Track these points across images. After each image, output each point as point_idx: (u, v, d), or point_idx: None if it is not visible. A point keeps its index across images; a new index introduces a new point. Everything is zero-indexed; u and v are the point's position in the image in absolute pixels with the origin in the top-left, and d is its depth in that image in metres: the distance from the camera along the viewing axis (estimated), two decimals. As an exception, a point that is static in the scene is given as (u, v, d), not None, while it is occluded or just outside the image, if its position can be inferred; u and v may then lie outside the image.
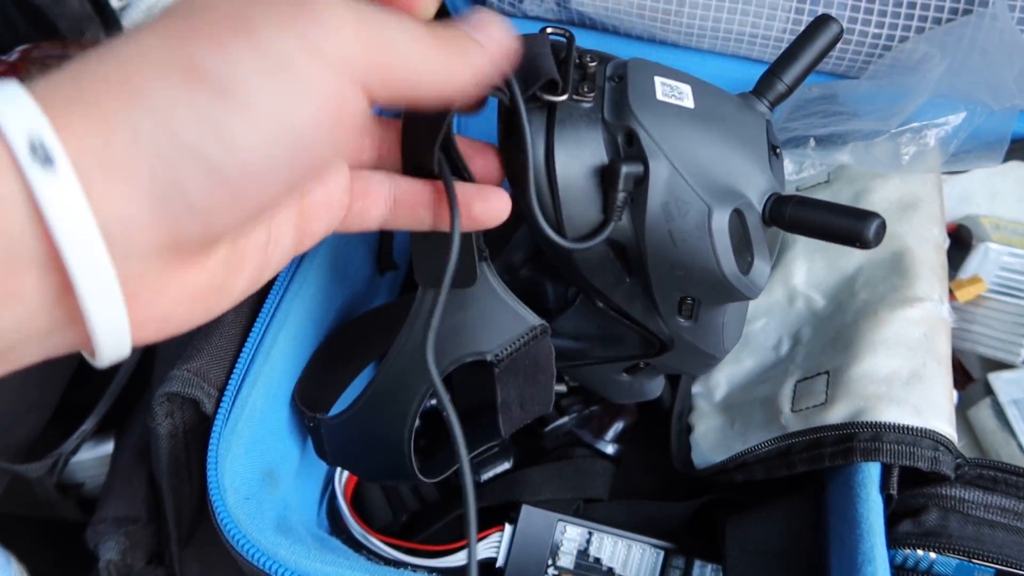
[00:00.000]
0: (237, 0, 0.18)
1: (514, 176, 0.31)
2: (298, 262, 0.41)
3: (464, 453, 0.27)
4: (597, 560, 0.42)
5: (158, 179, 0.17)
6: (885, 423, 0.36)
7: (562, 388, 0.48)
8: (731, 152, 0.31)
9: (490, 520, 0.43)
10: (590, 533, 0.42)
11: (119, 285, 0.17)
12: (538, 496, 0.44)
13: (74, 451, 0.45)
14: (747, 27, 0.49)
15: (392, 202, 0.29)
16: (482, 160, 0.31)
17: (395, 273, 0.50)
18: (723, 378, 0.46)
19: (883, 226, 0.28)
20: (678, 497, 0.44)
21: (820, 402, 0.39)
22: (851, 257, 0.44)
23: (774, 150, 0.33)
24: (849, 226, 0.28)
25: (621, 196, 0.30)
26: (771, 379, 0.43)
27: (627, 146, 0.30)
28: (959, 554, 0.34)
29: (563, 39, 0.32)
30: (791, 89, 0.34)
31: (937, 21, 0.45)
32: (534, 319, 0.34)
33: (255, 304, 0.39)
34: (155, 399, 0.34)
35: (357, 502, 0.45)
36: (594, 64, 0.31)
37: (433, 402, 0.44)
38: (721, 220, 0.30)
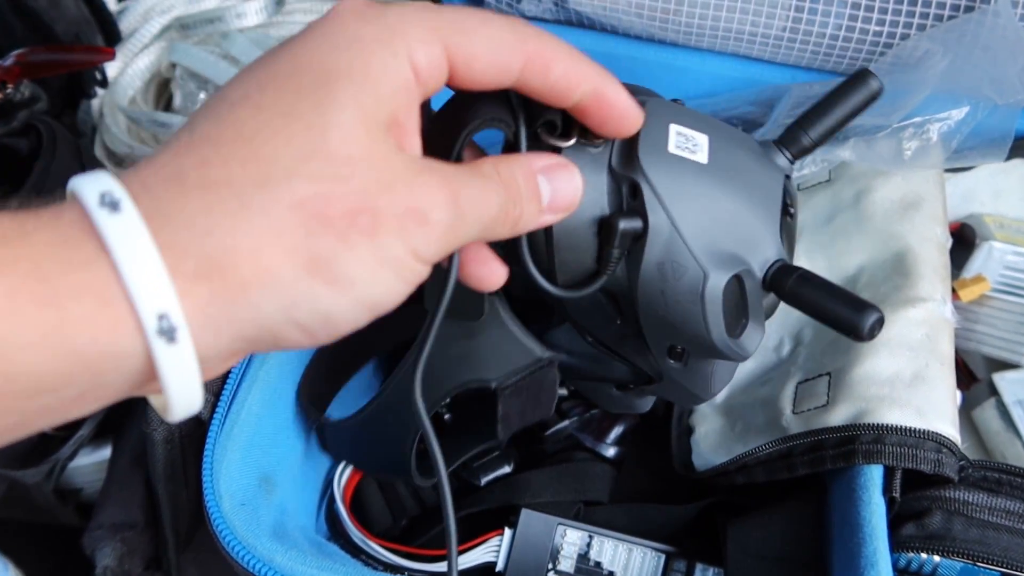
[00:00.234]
0: (364, 187, 0.20)
1: None
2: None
3: (448, 496, 0.27)
4: (598, 564, 0.41)
5: (260, 334, 0.20)
6: (887, 425, 0.35)
7: (563, 392, 0.48)
8: (740, 215, 0.29)
9: (490, 524, 0.43)
10: (590, 537, 0.42)
11: (201, 391, 0.20)
12: (538, 499, 0.44)
13: (71, 456, 0.45)
14: (747, 25, 0.48)
15: None
16: None
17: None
18: (724, 379, 0.45)
19: (880, 321, 0.27)
20: (679, 500, 0.44)
21: (821, 404, 0.38)
22: (853, 257, 0.43)
23: (788, 211, 0.31)
24: (847, 317, 0.27)
25: (616, 252, 0.29)
26: (772, 380, 0.43)
27: (631, 198, 0.29)
28: (963, 557, 0.34)
29: None
30: (816, 145, 0.33)
31: (939, 18, 0.45)
32: (541, 351, 0.33)
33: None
34: (150, 405, 0.34)
35: (356, 506, 0.45)
36: None
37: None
38: (716, 288, 0.29)
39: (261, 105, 0.20)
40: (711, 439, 0.43)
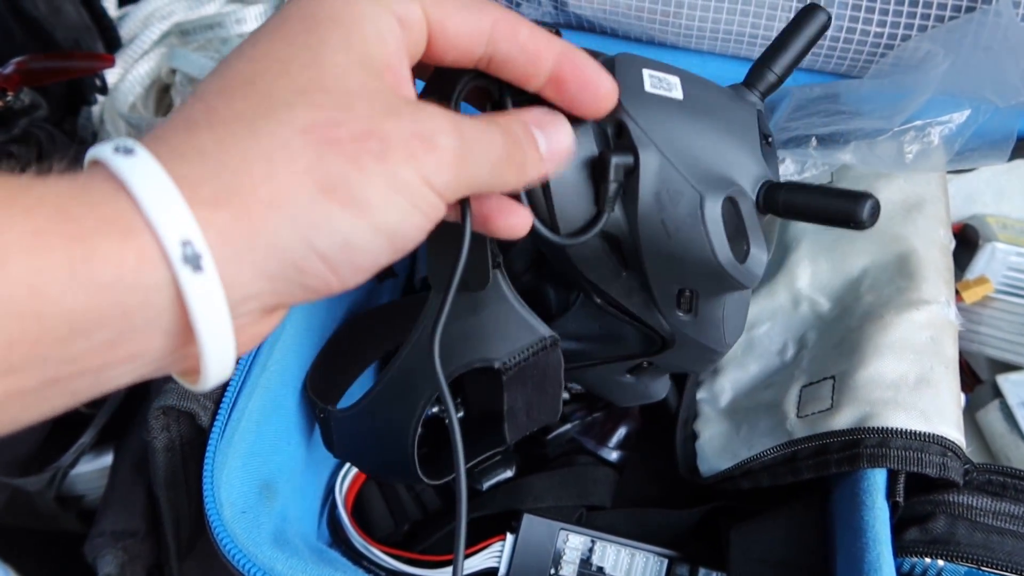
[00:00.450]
0: (369, 115, 0.21)
1: None
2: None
3: (459, 442, 0.27)
4: (600, 569, 0.41)
5: (283, 268, 0.20)
6: (892, 428, 0.35)
7: (565, 395, 0.48)
8: (722, 141, 0.30)
9: (491, 529, 0.42)
10: (593, 542, 0.42)
11: (233, 343, 0.20)
12: (540, 504, 0.43)
13: (73, 464, 0.45)
14: (747, 27, 0.48)
15: None
16: None
17: (394, 281, 0.50)
18: (728, 383, 0.45)
19: (877, 206, 0.28)
20: (682, 504, 0.43)
21: (826, 407, 0.38)
22: (856, 259, 0.43)
23: (766, 139, 0.32)
24: (843, 208, 0.28)
25: (613, 187, 0.30)
26: (776, 384, 0.42)
27: (617, 138, 0.30)
28: (968, 562, 0.34)
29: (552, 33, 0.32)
30: (781, 79, 0.34)
31: (940, 19, 0.45)
32: (545, 330, 0.33)
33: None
34: (151, 412, 0.34)
35: (358, 512, 0.45)
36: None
37: (435, 409, 0.44)
38: (714, 208, 0.29)
39: (255, 56, 0.21)
40: (716, 443, 0.43)
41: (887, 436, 0.35)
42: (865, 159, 0.43)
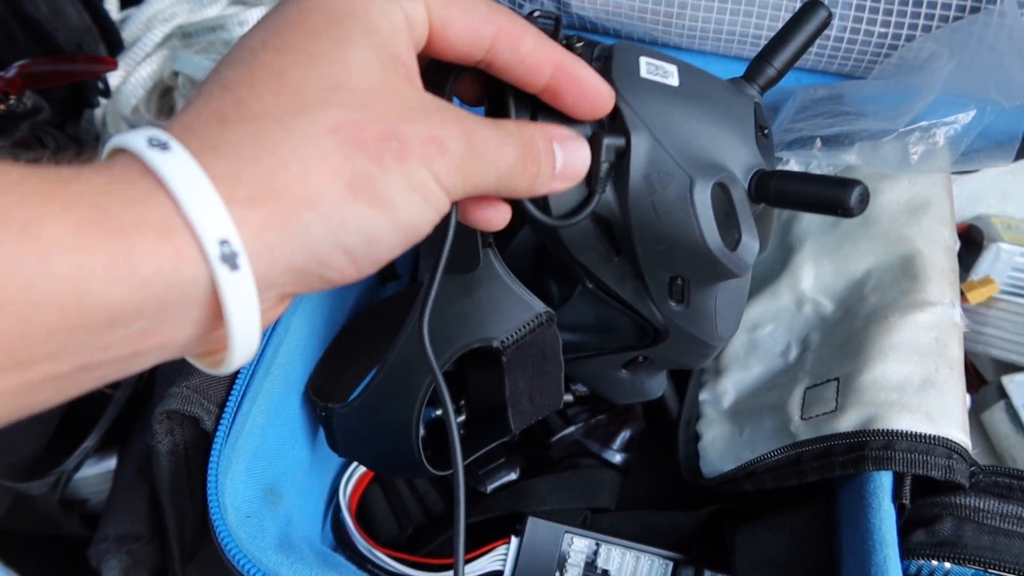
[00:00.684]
0: (388, 115, 0.21)
1: None
2: (298, 274, 0.40)
3: (454, 425, 0.28)
4: (605, 572, 0.41)
5: (310, 262, 0.21)
6: (897, 431, 0.35)
7: (568, 398, 0.48)
8: (715, 128, 0.31)
9: (496, 532, 0.42)
10: (597, 544, 0.41)
11: (259, 332, 0.21)
12: (544, 506, 0.43)
13: (77, 468, 0.45)
14: (749, 28, 0.48)
15: None
16: None
17: (397, 283, 0.50)
18: (731, 385, 0.45)
19: (865, 193, 0.28)
20: (687, 507, 0.43)
21: (830, 409, 0.38)
22: (860, 261, 0.43)
23: (762, 130, 0.33)
24: (831, 195, 0.28)
25: (604, 167, 0.30)
26: (780, 386, 0.42)
27: (610, 120, 0.30)
28: (974, 564, 0.33)
29: (551, 23, 0.32)
30: (780, 74, 0.34)
31: (945, 19, 0.45)
32: (540, 306, 0.34)
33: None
34: (155, 417, 0.34)
35: (362, 515, 0.45)
36: (580, 45, 0.32)
37: (438, 412, 0.44)
38: (703, 192, 0.30)
39: (282, 48, 0.21)
40: (719, 445, 0.43)
41: (892, 438, 0.35)
42: (870, 160, 0.43)
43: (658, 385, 0.44)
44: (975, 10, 0.44)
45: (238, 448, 0.34)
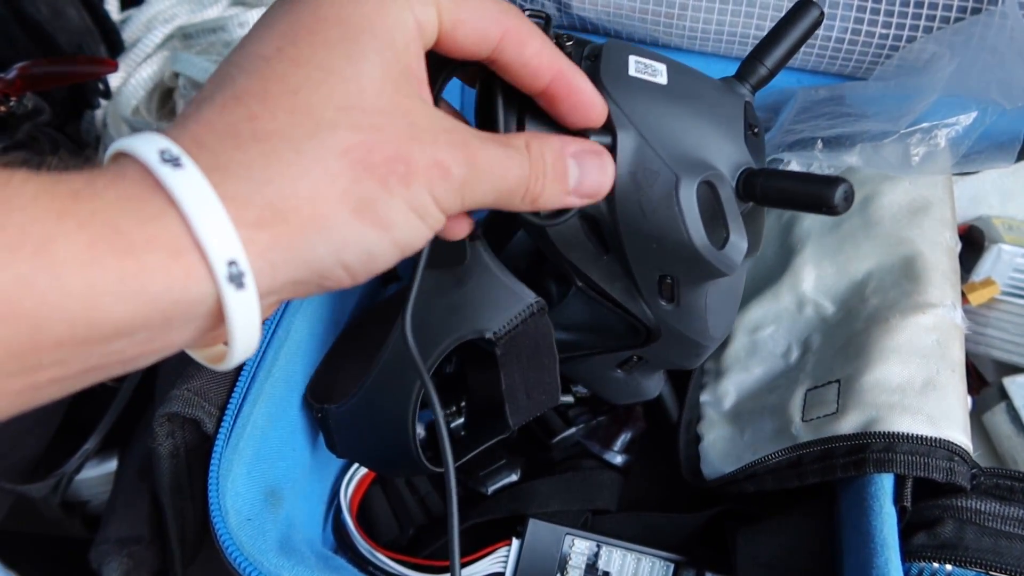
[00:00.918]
0: (397, 137, 0.22)
1: None
2: (299, 276, 0.40)
3: (441, 416, 0.28)
4: (606, 574, 0.41)
5: (310, 275, 0.21)
6: (898, 433, 0.35)
7: (569, 399, 0.48)
8: (703, 126, 0.31)
9: (497, 533, 0.42)
10: (598, 546, 0.41)
11: (259, 335, 0.21)
12: (546, 508, 0.43)
13: (78, 470, 0.45)
14: (750, 29, 0.48)
15: None
16: None
17: (398, 284, 0.50)
18: (732, 386, 0.45)
19: (850, 190, 0.28)
20: (687, 508, 0.43)
21: (831, 411, 0.38)
22: (861, 262, 0.43)
23: (752, 129, 0.32)
24: (816, 192, 0.28)
25: None
26: (780, 387, 0.42)
27: None
28: (976, 566, 0.33)
29: (541, 21, 0.32)
30: (772, 73, 0.34)
31: (946, 20, 0.45)
32: (531, 296, 0.34)
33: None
34: (155, 419, 0.34)
35: (363, 517, 0.45)
36: (570, 44, 0.32)
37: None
38: (689, 190, 0.30)
39: (297, 60, 0.22)
40: (720, 447, 0.43)
41: (893, 441, 0.35)
42: (871, 161, 0.43)
43: (654, 385, 0.44)
44: (976, 11, 0.44)
45: (239, 451, 0.34)
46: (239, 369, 0.36)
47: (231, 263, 0.19)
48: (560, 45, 0.32)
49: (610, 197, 0.31)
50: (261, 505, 0.34)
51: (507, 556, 0.41)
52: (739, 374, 0.45)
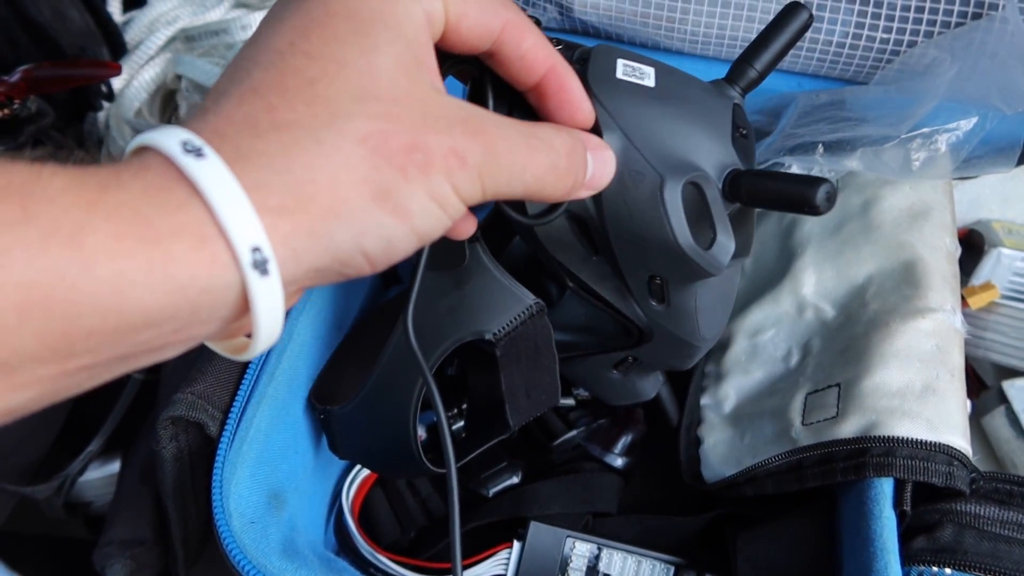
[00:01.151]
0: (413, 125, 0.22)
1: None
2: (301, 280, 0.40)
3: (442, 413, 0.28)
4: (607, 576, 0.41)
5: (331, 263, 0.22)
6: (898, 437, 0.35)
7: (570, 402, 0.48)
8: (689, 128, 0.31)
9: (498, 536, 0.43)
10: (599, 548, 0.42)
11: (282, 324, 0.22)
12: (546, 511, 0.43)
13: (81, 471, 0.45)
14: (752, 33, 0.48)
15: None
16: None
17: (399, 287, 0.50)
18: (732, 390, 0.45)
19: (832, 191, 0.28)
20: (688, 511, 0.43)
21: (831, 416, 0.38)
22: (861, 267, 0.43)
23: (740, 131, 0.33)
24: (798, 193, 0.28)
25: None
26: (781, 391, 0.42)
27: None
28: (975, 570, 0.33)
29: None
30: (762, 75, 0.35)
31: (946, 25, 0.45)
32: (530, 297, 0.34)
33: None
34: (159, 423, 0.34)
35: (365, 519, 0.45)
36: (559, 48, 0.32)
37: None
38: (674, 190, 0.30)
39: (311, 53, 0.22)
40: (720, 450, 0.43)
41: (893, 445, 0.35)
42: (872, 166, 0.43)
43: (651, 387, 0.45)
44: (977, 16, 0.44)
45: (242, 454, 0.34)
46: (242, 372, 0.37)
47: (255, 249, 0.19)
48: None
49: (598, 198, 0.31)
50: (264, 508, 0.34)
51: (508, 558, 0.42)
52: (739, 377, 0.45)
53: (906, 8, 0.45)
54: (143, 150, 0.20)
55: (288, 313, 0.38)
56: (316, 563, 0.34)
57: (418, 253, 0.28)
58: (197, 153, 0.19)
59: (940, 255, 0.42)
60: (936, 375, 0.37)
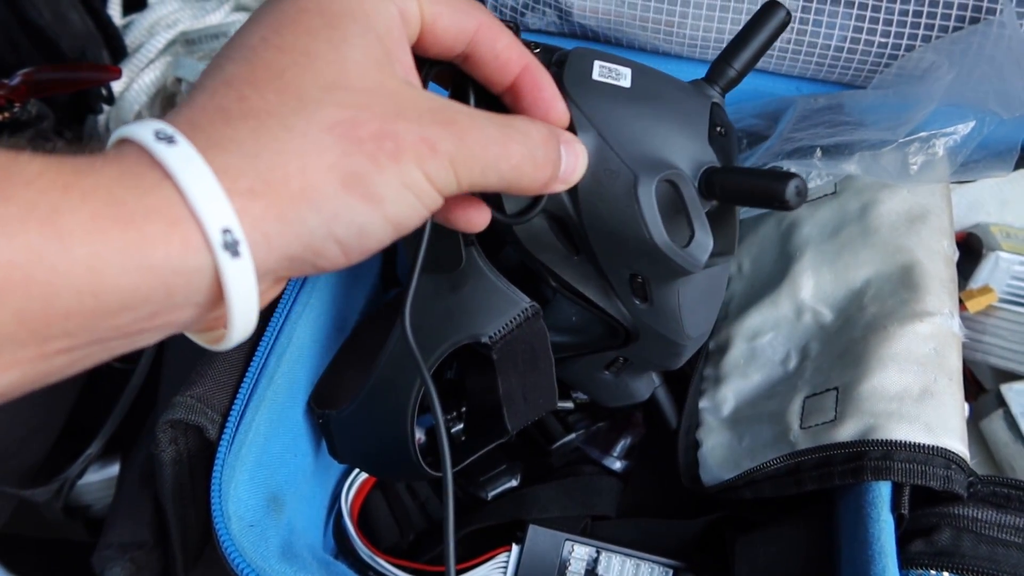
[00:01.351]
0: (384, 114, 0.22)
1: None
2: (301, 283, 0.40)
3: (440, 413, 0.28)
4: (605, 579, 0.41)
5: (304, 251, 0.22)
6: (896, 441, 0.35)
7: (569, 405, 0.48)
8: (664, 126, 0.31)
9: (496, 539, 0.43)
10: (598, 552, 0.42)
11: (257, 312, 0.22)
12: (545, 514, 0.44)
13: (80, 474, 0.45)
14: (751, 37, 0.48)
15: None
16: None
17: (399, 289, 0.50)
18: (730, 393, 0.45)
19: (802, 186, 0.28)
20: (686, 514, 0.43)
21: (829, 419, 0.38)
22: (859, 270, 0.43)
23: (717, 129, 0.33)
24: (768, 188, 0.28)
25: None
26: (779, 394, 0.42)
27: None
28: (973, 574, 0.34)
29: (511, 29, 0.33)
30: (741, 74, 0.35)
31: (944, 30, 0.45)
32: (525, 300, 0.35)
33: (257, 328, 0.38)
34: (158, 426, 0.34)
35: (364, 522, 0.45)
36: (537, 52, 0.33)
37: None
38: (647, 188, 0.30)
39: (281, 47, 0.22)
40: (718, 453, 0.43)
41: (891, 449, 0.35)
42: (870, 170, 0.43)
43: (644, 388, 0.45)
44: (975, 21, 0.44)
45: (241, 457, 0.34)
46: (242, 376, 0.37)
47: (225, 231, 0.20)
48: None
49: (575, 198, 0.31)
50: (263, 511, 0.34)
51: (507, 562, 0.42)
52: (738, 381, 0.45)
53: (904, 13, 0.45)
54: (121, 142, 0.21)
55: (287, 316, 0.39)
56: (315, 566, 0.34)
57: (415, 255, 0.28)
58: (169, 140, 0.20)
59: (938, 259, 0.42)
60: (934, 379, 0.37)
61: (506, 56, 0.27)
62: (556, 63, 0.32)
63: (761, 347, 0.45)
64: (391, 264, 0.47)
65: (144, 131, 0.20)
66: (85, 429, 0.45)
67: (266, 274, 0.21)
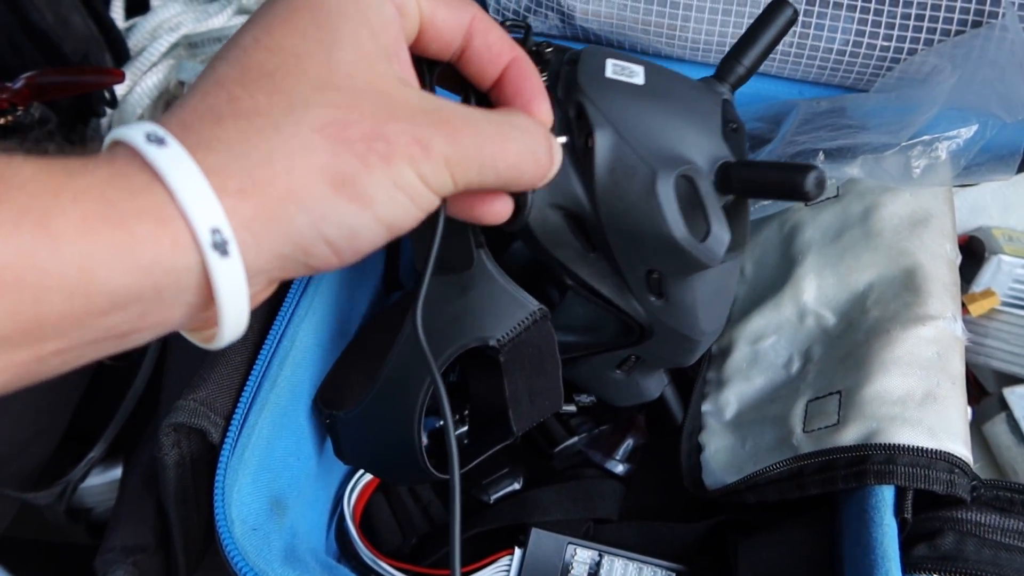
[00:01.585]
0: (374, 115, 0.22)
1: None
2: (304, 286, 0.40)
3: (448, 410, 0.27)
4: (608, 583, 0.41)
5: (294, 251, 0.22)
6: (899, 445, 0.35)
7: (571, 408, 0.48)
8: (679, 122, 0.31)
9: (499, 543, 0.43)
10: (600, 555, 0.42)
11: (248, 312, 0.22)
12: (548, 517, 0.44)
13: (83, 478, 0.45)
14: (753, 41, 0.48)
15: None
16: None
17: (402, 292, 0.50)
18: (733, 396, 0.45)
19: (822, 177, 0.28)
20: (689, 517, 0.43)
21: (832, 423, 0.38)
22: (862, 274, 0.43)
23: (730, 125, 0.33)
24: (787, 180, 0.28)
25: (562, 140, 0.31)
26: (782, 398, 0.42)
27: (577, 119, 0.31)
28: (976, 578, 0.34)
29: (521, 31, 0.33)
30: (750, 71, 0.36)
31: (947, 33, 0.45)
32: (534, 303, 0.35)
33: (260, 331, 0.38)
34: (161, 429, 0.34)
35: (366, 525, 0.45)
36: (550, 51, 0.33)
37: (440, 423, 0.44)
38: (666, 183, 0.30)
39: (272, 47, 0.23)
40: (721, 457, 0.43)
41: (894, 453, 0.35)
42: (872, 173, 0.43)
43: (655, 386, 0.45)
44: (977, 25, 0.44)
45: (244, 460, 0.34)
46: (244, 379, 0.37)
47: (214, 231, 0.20)
48: (540, 52, 0.33)
49: (592, 194, 0.31)
50: (266, 514, 0.34)
51: (509, 565, 0.42)
52: (740, 384, 0.45)
53: (906, 16, 0.45)
54: (114, 144, 0.21)
55: (290, 319, 0.39)
56: (318, 569, 0.34)
57: (426, 256, 0.28)
58: (159, 142, 0.20)
59: (941, 262, 0.42)
60: (937, 382, 0.37)
61: (498, 48, 0.28)
62: (568, 62, 0.32)
63: (764, 350, 0.45)
64: (394, 267, 0.47)
65: (135, 133, 0.20)
66: (88, 432, 0.45)
67: (257, 274, 0.21)
